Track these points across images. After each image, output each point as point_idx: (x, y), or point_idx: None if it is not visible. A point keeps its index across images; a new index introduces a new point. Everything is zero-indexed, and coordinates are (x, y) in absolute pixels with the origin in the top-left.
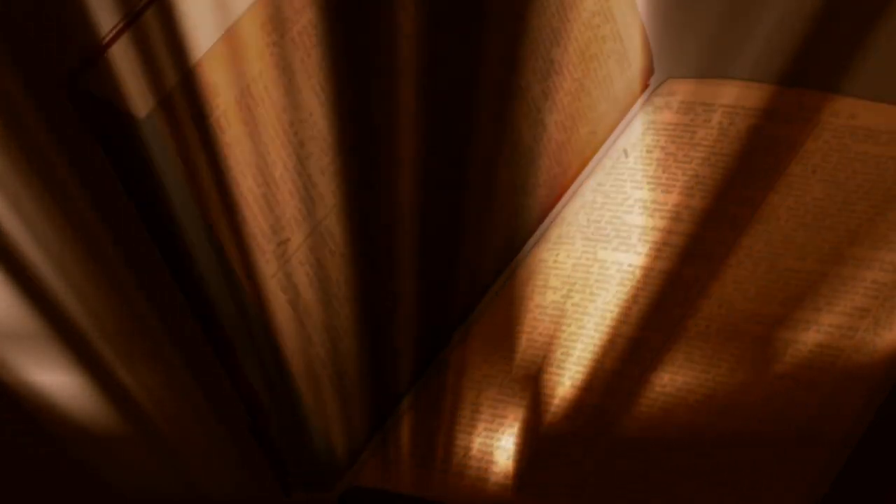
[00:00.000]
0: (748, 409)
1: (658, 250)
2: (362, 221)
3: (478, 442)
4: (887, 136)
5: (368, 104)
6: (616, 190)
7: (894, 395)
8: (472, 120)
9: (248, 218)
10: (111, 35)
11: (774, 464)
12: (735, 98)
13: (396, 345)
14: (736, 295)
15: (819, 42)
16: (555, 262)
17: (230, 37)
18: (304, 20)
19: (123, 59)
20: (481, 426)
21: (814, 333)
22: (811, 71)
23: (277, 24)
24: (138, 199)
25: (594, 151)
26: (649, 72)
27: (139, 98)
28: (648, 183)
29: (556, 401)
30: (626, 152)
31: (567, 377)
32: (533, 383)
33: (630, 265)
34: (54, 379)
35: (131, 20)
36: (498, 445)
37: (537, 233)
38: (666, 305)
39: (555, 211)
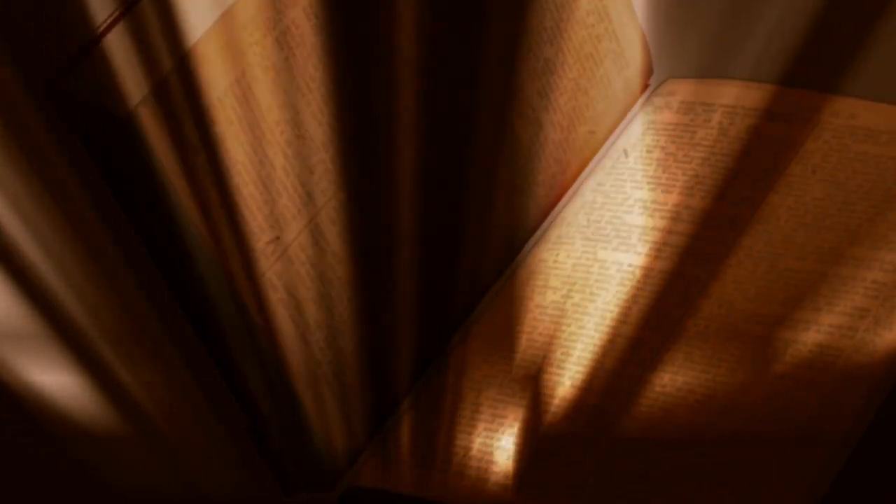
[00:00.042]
0: (748, 409)
1: (658, 250)
2: (360, 221)
3: (478, 442)
4: (887, 136)
5: (366, 99)
6: (616, 190)
7: (894, 395)
8: (466, 118)
9: (240, 216)
10: (102, 28)
11: (774, 464)
12: (735, 98)
13: (396, 345)
14: (736, 295)
15: (819, 42)
16: (555, 262)
17: (221, 27)
18: (299, 8)
19: (108, 57)
20: (481, 426)
21: (814, 333)
22: (811, 71)
23: (271, 13)
24: (125, 200)
25: (594, 151)
26: (649, 71)
27: (122, 96)
28: (648, 183)
29: (556, 401)
30: (626, 152)
31: (567, 377)
32: (533, 383)
33: (630, 265)
34: (54, 379)
35: (106, 28)
36: (498, 445)
37: (537, 233)
38: (666, 305)
39: (555, 211)
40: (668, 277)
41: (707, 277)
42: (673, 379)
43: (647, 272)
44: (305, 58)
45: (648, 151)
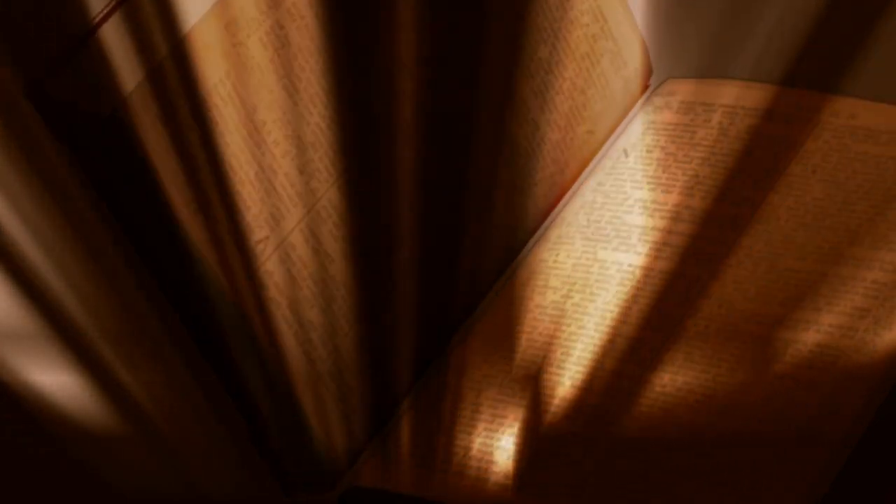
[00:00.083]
0: (748, 409)
1: (658, 250)
2: (357, 220)
3: (478, 442)
4: (887, 136)
5: (361, 99)
6: (616, 190)
7: (894, 395)
8: (461, 117)
9: (230, 214)
10: (94, 22)
11: (774, 464)
12: (735, 98)
13: (396, 345)
14: (736, 295)
15: (819, 42)
16: (555, 262)
17: (210, 23)
18: (285, 8)
19: (92, 59)
20: (481, 426)
21: (814, 333)
22: (811, 71)
23: (257, 13)
24: (113, 202)
25: (594, 151)
26: (648, 71)
27: (103, 97)
28: (648, 183)
29: (556, 401)
30: (626, 152)
31: (567, 377)
32: (533, 383)
33: (630, 265)
34: (54, 379)
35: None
36: (498, 445)
37: (537, 233)
38: (666, 305)
39: (555, 211)
40: (668, 277)
41: (707, 277)
42: (673, 379)
43: (647, 272)
44: (290, 59)
45: (648, 151)
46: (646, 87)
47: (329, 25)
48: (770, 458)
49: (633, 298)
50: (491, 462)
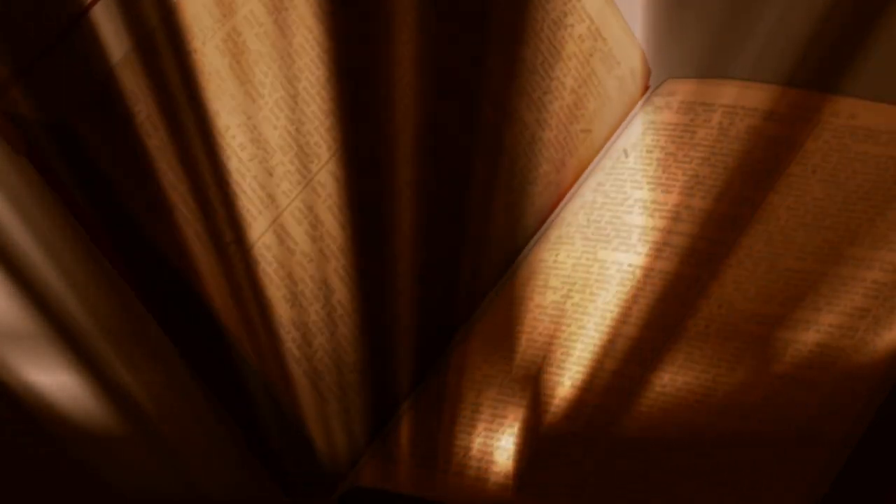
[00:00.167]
0: (748, 409)
1: (658, 250)
2: (360, 222)
3: (478, 442)
4: (887, 136)
5: (353, 100)
6: (616, 190)
7: (894, 395)
8: (450, 118)
9: (198, 217)
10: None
11: (774, 464)
12: (735, 98)
13: (397, 347)
14: (736, 295)
15: (819, 42)
16: (555, 262)
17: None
18: (244, 12)
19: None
20: (481, 426)
21: (814, 333)
22: (811, 71)
23: (209, 19)
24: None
25: (593, 151)
26: (647, 71)
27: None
28: (648, 183)
29: (556, 401)
30: (626, 152)
31: (567, 377)
32: (533, 383)
33: (630, 265)
34: (54, 379)
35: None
36: (498, 445)
37: (538, 233)
38: (666, 305)
39: (555, 211)
40: (668, 277)
41: (707, 277)
42: (673, 379)
43: (648, 272)
44: (252, 65)
45: (648, 151)
46: (646, 88)
47: (290, 32)
48: (770, 458)
49: (634, 298)
50: (491, 462)
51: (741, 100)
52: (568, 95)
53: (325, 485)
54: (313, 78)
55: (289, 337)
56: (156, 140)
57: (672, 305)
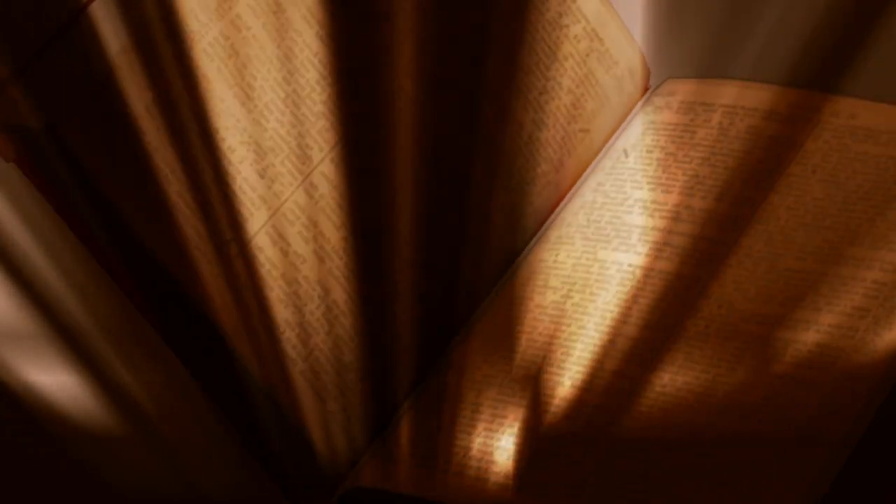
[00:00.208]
0: (748, 409)
1: (658, 250)
2: (358, 223)
3: (478, 442)
4: (887, 136)
5: (345, 101)
6: (616, 190)
7: (894, 395)
8: (445, 117)
9: (190, 219)
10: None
11: (774, 464)
12: (735, 98)
13: (397, 348)
14: (736, 295)
15: (819, 42)
16: (555, 262)
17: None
18: (227, 20)
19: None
20: (481, 426)
21: (814, 333)
22: (811, 71)
23: (196, 23)
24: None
25: (594, 151)
26: (646, 71)
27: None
28: (648, 183)
29: (556, 401)
30: (626, 152)
31: (567, 377)
32: (533, 383)
33: (630, 265)
34: (54, 379)
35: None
36: (498, 445)
37: (538, 233)
38: (666, 305)
39: (555, 211)
40: (668, 277)
41: (707, 277)
42: (673, 379)
43: (647, 272)
44: (240, 68)
45: (648, 151)
46: (646, 88)
47: (281, 34)
48: (770, 458)
49: (634, 298)
50: (491, 462)
51: (741, 100)
52: (565, 95)
53: (325, 486)
54: (303, 81)
55: (287, 338)
56: (147, 142)
57: (672, 305)
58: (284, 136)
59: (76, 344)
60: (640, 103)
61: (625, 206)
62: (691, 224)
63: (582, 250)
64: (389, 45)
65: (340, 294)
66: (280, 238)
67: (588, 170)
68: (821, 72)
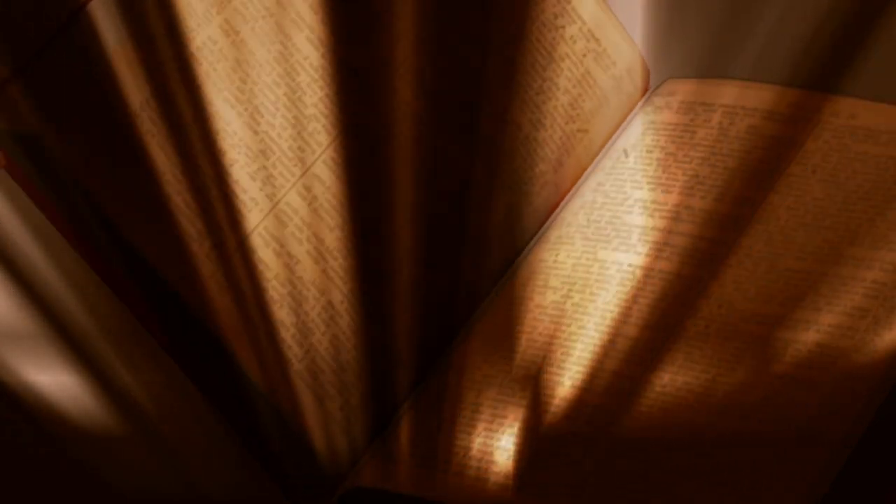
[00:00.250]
0: (748, 409)
1: (658, 250)
2: (356, 223)
3: (478, 442)
4: (887, 136)
5: (364, 94)
6: (616, 190)
7: (894, 395)
8: (441, 118)
9: (178, 224)
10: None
11: (774, 464)
12: (735, 98)
13: (397, 349)
14: (736, 295)
15: (819, 42)
16: (555, 262)
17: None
18: (214, 24)
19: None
20: (481, 426)
21: (814, 333)
22: (811, 71)
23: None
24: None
25: (594, 151)
26: (645, 71)
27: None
28: (648, 183)
29: (556, 401)
30: (626, 152)
31: (567, 377)
32: (533, 383)
33: (630, 265)
34: (54, 379)
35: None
36: (498, 445)
37: (538, 233)
38: (666, 305)
39: (555, 211)
40: (668, 277)
41: (707, 277)
42: (673, 379)
43: (647, 272)
44: (229, 72)
45: (648, 151)
46: (646, 88)
47: (269, 38)
48: (770, 458)
49: (633, 298)
50: (491, 462)
51: (741, 100)
52: (562, 95)
53: (325, 486)
54: (294, 84)
55: (285, 339)
56: (139, 145)
57: (672, 305)
58: (275, 139)
59: (76, 344)
60: (640, 103)
61: (625, 206)
62: (691, 224)
63: (582, 250)
64: (385, 46)
65: (338, 294)
66: (274, 239)
67: (588, 170)
68: (821, 72)
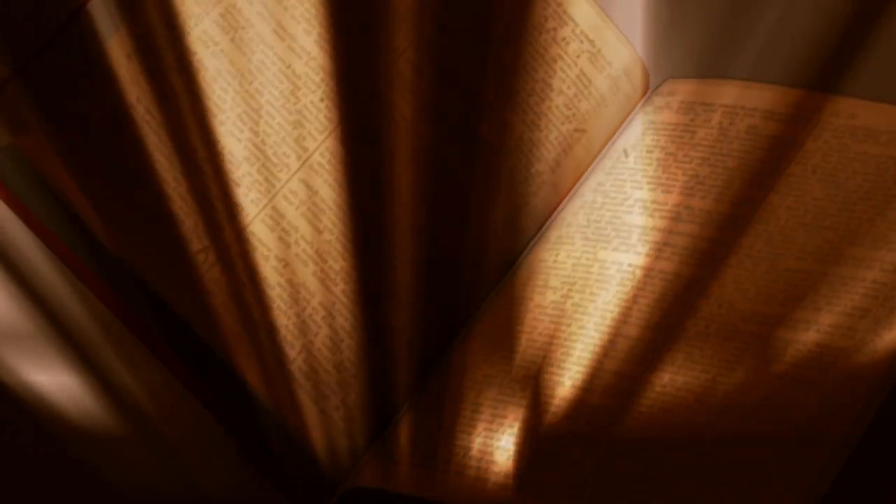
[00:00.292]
0: (748, 409)
1: (658, 250)
2: (356, 224)
3: (478, 442)
4: (887, 136)
5: (363, 92)
6: (616, 190)
7: (894, 395)
8: (438, 117)
9: (166, 227)
10: None
11: (774, 464)
12: (735, 98)
13: (396, 349)
14: (736, 295)
15: (819, 42)
16: (555, 262)
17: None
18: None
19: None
20: (481, 426)
21: (814, 333)
22: (811, 71)
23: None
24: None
25: (593, 152)
26: (644, 71)
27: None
28: (648, 183)
29: (556, 401)
30: (626, 152)
31: (567, 377)
32: (533, 383)
33: (630, 265)
34: (54, 379)
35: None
36: (498, 445)
37: (538, 233)
38: (666, 305)
39: (555, 211)
40: (668, 277)
41: (707, 277)
42: (673, 379)
43: (647, 272)
44: (210, 82)
45: (648, 151)
46: (646, 88)
47: (251, 48)
48: (770, 458)
49: (633, 298)
50: (491, 462)
51: (741, 100)
52: (556, 97)
53: (325, 486)
54: (276, 92)
55: (283, 340)
56: (123, 152)
57: (672, 305)
58: (261, 146)
59: (76, 344)
60: (639, 103)
61: (625, 206)
62: (691, 224)
63: (582, 250)
64: (383, 47)
65: (338, 295)
66: (270, 239)
67: (588, 170)
68: (821, 72)
